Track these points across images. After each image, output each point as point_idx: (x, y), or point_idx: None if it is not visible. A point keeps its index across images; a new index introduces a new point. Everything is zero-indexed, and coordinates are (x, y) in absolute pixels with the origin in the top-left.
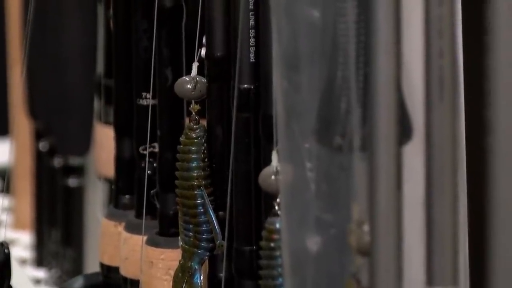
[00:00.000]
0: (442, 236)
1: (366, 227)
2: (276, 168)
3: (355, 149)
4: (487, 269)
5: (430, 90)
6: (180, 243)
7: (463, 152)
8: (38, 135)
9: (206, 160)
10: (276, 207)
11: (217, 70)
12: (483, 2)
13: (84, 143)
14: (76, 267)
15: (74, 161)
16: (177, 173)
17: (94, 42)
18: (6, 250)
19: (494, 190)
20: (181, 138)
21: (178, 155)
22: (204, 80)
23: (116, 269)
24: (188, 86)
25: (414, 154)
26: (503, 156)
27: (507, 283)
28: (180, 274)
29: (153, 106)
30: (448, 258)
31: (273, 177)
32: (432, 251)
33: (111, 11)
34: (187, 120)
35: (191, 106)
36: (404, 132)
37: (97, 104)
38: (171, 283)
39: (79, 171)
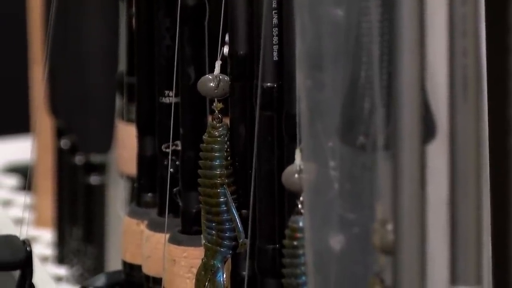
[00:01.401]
0: (466, 236)
1: (389, 226)
2: (300, 167)
3: (378, 149)
4: (510, 268)
5: (454, 90)
6: (203, 241)
7: (487, 151)
8: (60, 133)
9: (229, 158)
10: (299, 206)
11: (240, 69)
12: (507, 1)
13: (105, 141)
14: (98, 264)
15: (96, 158)
16: (200, 171)
17: (116, 40)
18: (28, 248)
19: None
20: (204, 137)
21: (201, 154)
22: (227, 78)
23: (138, 267)
24: (211, 84)
25: (437, 154)
26: None
27: None
28: (203, 272)
29: (176, 104)
30: (472, 258)
31: (296, 175)
32: (456, 251)
33: (133, 9)
34: (210, 119)
35: (214, 104)
36: (427, 131)
37: (119, 102)
38: (193, 281)
39: (100, 168)
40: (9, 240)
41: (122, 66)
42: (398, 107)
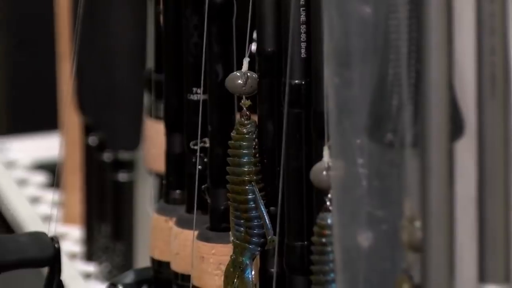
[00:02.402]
0: (494, 233)
1: (418, 224)
2: (328, 164)
3: (406, 146)
4: None
5: (482, 87)
6: (231, 238)
7: None
8: (88, 130)
9: (257, 155)
10: (328, 203)
11: (268, 66)
12: None
13: (133, 138)
14: (126, 261)
15: (124, 155)
16: (228, 168)
17: (143, 37)
18: (56, 245)
19: None
20: (232, 134)
21: (229, 150)
22: (255, 75)
23: (167, 264)
24: (239, 81)
25: (465, 151)
26: None
27: None
28: (231, 269)
29: (204, 101)
30: (500, 256)
31: (324, 172)
32: (484, 248)
33: (161, 6)
34: (238, 116)
35: (242, 101)
36: (455, 128)
37: (147, 99)
38: (222, 278)
39: (129, 165)
40: (38, 237)
41: (150, 63)
42: (426, 104)
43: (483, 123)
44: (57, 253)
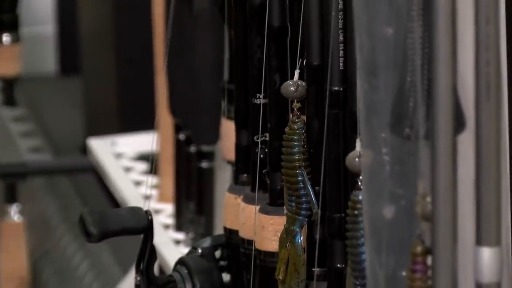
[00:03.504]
0: (488, 207)
1: (428, 199)
2: (359, 153)
3: (420, 138)
4: None
5: (479, 92)
6: (285, 211)
7: (506, 141)
8: (178, 128)
9: (305, 146)
10: (359, 183)
11: (314, 76)
12: None
13: (213, 134)
14: (207, 231)
15: (206, 148)
16: (282, 156)
17: (221, 55)
18: (149, 217)
19: None
20: (286, 129)
21: (283, 143)
22: (304, 83)
23: (236, 232)
24: (292, 88)
25: (466, 142)
26: None
27: None
28: (285, 236)
29: (264, 104)
30: (492, 225)
31: (356, 159)
32: (480, 219)
33: (233, 30)
34: (290, 115)
35: (294, 104)
36: (458, 124)
37: (222, 104)
38: (278, 243)
39: (209, 156)
40: (135, 211)
41: (225, 75)
42: (435, 105)
43: (480, 120)
44: (150, 223)
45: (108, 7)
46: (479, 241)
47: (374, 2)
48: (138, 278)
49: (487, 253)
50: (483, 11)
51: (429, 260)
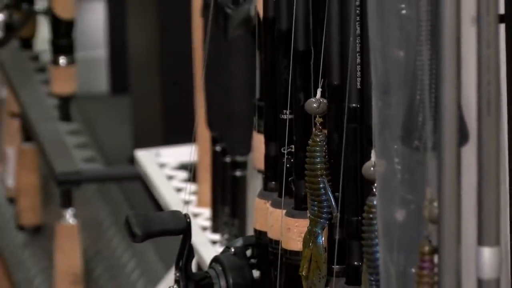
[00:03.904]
0: (488, 211)
1: (435, 204)
2: (374, 163)
3: (428, 149)
4: None
5: (481, 108)
6: (308, 214)
7: (506, 152)
8: (215, 141)
9: (326, 157)
10: (374, 190)
11: (335, 94)
12: None
13: (246, 146)
14: (240, 232)
15: (239, 158)
16: (306, 166)
17: (253, 75)
18: (188, 220)
19: None
20: (309, 142)
21: (307, 154)
22: (325, 101)
23: (264, 233)
24: (315, 105)
25: (469, 153)
26: None
27: None
28: (308, 236)
29: (290, 119)
30: (492, 228)
31: (372, 168)
32: (482, 222)
33: (263, 54)
34: (313, 129)
35: (316, 119)
36: (462, 137)
37: (254, 119)
38: (302, 243)
39: (242, 165)
40: (175, 214)
41: (256, 93)
42: (442, 120)
43: (481, 134)
44: (188, 225)
45: (155, 34)
46: (480, 242)
47: (387, 28)
48: (178, 274)
49: (487, 252)
50: (485, 36)
51: (435, 259)
